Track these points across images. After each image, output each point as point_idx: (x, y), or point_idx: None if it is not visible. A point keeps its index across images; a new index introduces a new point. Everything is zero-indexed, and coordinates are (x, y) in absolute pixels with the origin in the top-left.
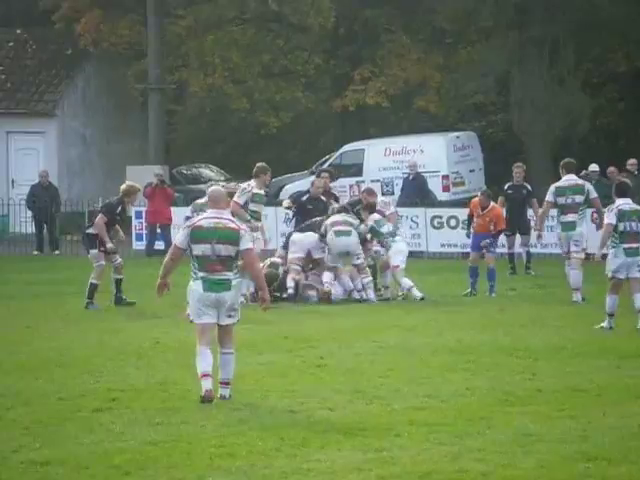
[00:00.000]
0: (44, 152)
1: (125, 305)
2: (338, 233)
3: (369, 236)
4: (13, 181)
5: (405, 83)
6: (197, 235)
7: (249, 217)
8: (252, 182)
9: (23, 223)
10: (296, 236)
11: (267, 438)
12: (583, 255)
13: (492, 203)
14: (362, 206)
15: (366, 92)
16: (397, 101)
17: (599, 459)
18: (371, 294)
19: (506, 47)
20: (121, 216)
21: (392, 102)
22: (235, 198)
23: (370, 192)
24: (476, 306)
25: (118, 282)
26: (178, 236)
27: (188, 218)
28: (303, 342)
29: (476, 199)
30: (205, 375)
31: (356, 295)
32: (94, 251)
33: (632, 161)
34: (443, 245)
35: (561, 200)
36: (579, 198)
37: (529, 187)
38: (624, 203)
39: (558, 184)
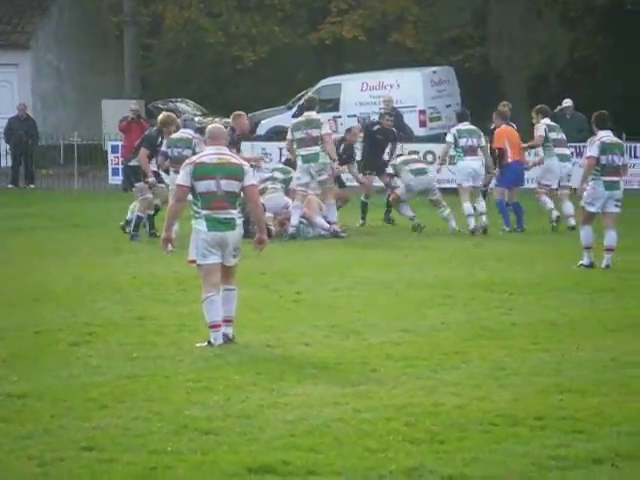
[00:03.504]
0: (18, 85)
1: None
2: (416, 171)
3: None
4: None
5: (382, 16)
6: (201, 171)
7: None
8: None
9: None
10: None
11: (244, 372)
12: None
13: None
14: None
15: (342, 25)
16: (374, 35)
17: (572, 391)
18: (453, 223)
19: None
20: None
21: (369, 36)
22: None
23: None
24: (453, 241)
25: (139, 218)
26: (180, 176)
27: (164, 154)
28: (280, 277)
29: (504, 128)
30: (215, 326)
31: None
32: (139, 184)
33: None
34: None
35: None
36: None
37: (514, 126)
38: (605, 135)
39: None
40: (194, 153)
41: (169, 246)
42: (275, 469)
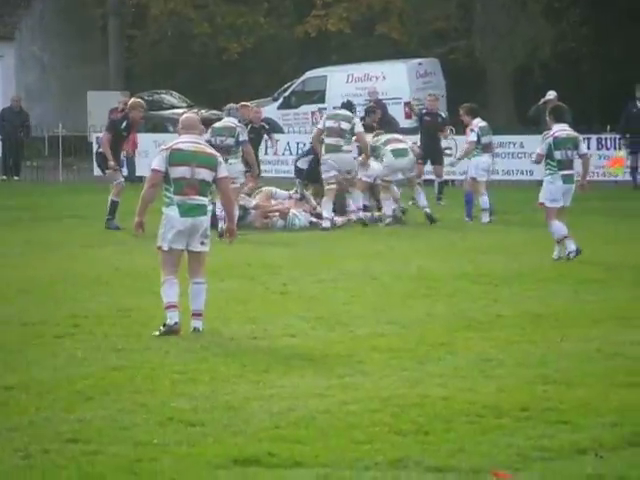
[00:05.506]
0: (2, 76)
1: (114, 230)
2: (396, 153)
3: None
4: None
5: (367, 8)
6: (176, 157)
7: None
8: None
9: None
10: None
11: (230, 364)
12: None
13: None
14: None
15: (328, 18)
16: (359, 27)
17: (557, 383)
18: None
19: None
20: (127, 132)
21: (354, 28)
22: None
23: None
24: (439, 233)
25: (114, 203)
26: (155, 160)
27: (207, 142)
28: (266, 269)
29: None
30: (171, 306)
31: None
32: (109, 170)
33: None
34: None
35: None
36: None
37: (443, 114)
38: (560, 130)
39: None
40: (237, 142)
41: (140, 230)
42: (261, 461)
